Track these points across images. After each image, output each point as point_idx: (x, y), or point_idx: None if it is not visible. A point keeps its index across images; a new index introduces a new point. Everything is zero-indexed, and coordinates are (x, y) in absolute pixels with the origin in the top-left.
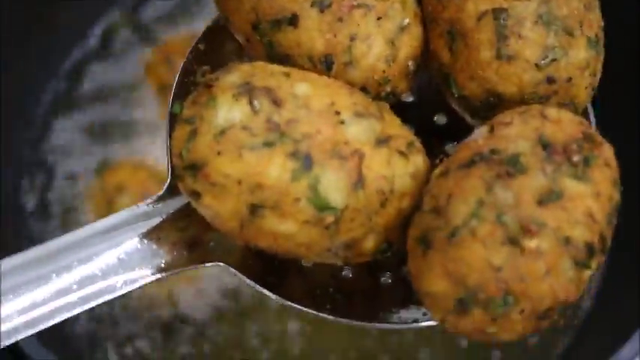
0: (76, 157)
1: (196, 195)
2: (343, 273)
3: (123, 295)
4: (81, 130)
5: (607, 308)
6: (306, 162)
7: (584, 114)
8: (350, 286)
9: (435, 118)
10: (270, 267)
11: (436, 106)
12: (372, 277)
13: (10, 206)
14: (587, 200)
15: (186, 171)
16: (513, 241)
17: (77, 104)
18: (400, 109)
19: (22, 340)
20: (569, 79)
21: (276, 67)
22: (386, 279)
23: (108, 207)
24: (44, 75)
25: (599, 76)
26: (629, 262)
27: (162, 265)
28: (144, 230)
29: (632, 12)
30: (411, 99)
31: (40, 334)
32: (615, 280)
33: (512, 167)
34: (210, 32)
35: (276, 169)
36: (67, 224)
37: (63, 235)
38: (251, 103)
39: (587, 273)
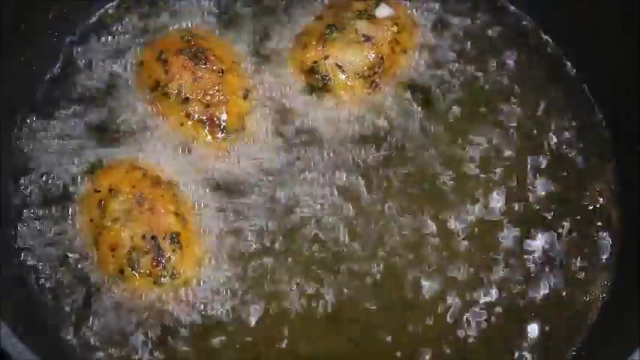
0: (66, 158)
1: None
2: None
3: None
4: (70, 131)
5: (612, 321)
6: None
7: None
8: None
9: None
10: None
11: None
12: None
13: None
14: None
15: None
16: None
17: (65, 104)
18: None
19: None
20: None
21: None
22: None
23: (100, 209)
24: (31, 73)
25: None
26: (635, 274)
27: None
28: None
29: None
30: None
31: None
32: (620, 292)
33: None
34: None
35: None
36: (59, 224)
37: None
38: None
39: None
